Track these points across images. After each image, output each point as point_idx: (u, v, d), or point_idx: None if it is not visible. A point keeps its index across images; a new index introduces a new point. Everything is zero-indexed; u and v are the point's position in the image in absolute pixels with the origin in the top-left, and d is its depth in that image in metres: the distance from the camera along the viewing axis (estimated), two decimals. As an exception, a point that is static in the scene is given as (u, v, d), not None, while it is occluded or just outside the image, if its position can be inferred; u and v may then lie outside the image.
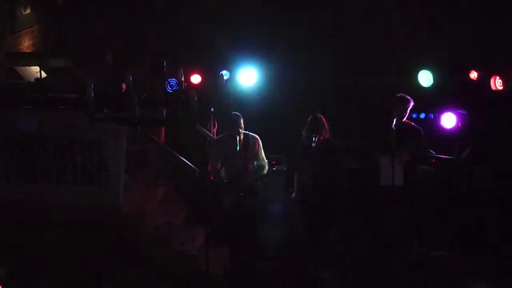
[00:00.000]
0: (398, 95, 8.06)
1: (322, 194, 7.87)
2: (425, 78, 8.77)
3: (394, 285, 7.54)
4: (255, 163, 8.06)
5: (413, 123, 8.10)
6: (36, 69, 8.24)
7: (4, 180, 7.42)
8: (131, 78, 7.61)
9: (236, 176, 7.91)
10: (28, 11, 9.28)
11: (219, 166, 7.86)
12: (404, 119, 7.97)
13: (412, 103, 7.99)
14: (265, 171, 8.10)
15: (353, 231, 8.39)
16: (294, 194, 8.14)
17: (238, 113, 7.96)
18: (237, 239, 7.92)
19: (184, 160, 8.02)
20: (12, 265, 7.04)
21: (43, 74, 8.02)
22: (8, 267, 6.98)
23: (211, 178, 7.83)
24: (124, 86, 7.66)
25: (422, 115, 8.72)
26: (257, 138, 8.07)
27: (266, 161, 8.18)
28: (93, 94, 6.96)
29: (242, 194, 7.82)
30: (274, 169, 8.41)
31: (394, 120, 7.81)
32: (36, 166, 7.39)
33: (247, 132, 8.06)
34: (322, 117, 7.97)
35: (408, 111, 7.98)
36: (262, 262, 8.11)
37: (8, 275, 6.81)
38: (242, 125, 7.92)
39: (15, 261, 7.08)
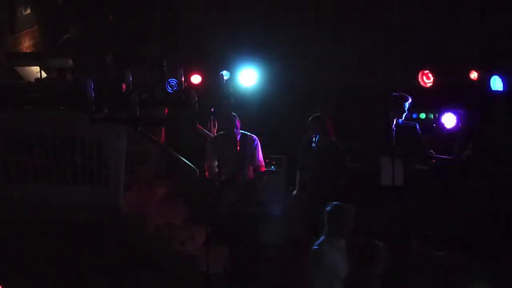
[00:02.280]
0: (394, 94, 8.03)
1: (322, 194, 7.87)
2: (426, 78, 8.77)
3: (394, 285, 7.53)
4: (253, 163, 8.06)
5: (408, 122, 8.11)
6: (36, 69, 8.23)
7: (4, 180, 7.42)
8: (131, 78, 7.60)
9: (232, 176, 7.90)
10: (28, 11, 9.27)
11: (216, 165, 7.86)
12: (403, 118, 7.95)
13: (409, 101, 7.96)
14: (263, 172, 8.10)
15: (353, 231, 8.38)
16: (295, 191, 8.13)
17: (234, 113, 7.95)
18: (237, 239, 7.92)
19: (184, 160, 8.01)
20: (13, 265, 7.04)
21: (43, 74, 8.02)
22: (9, 267, 7.00)
23: (207, 176, 7.84)
24: (124, 86, 7.65)
25: (422, 115, 8.73)
26: (255, 139, 8.06)
27: (262, 161, 8.18)
28: (93, 94, 6.96)
29: (240, 194, 7.82)
30: (270, 169, 8.40)
31: (394, 120, 7.81)
32: (36, 166, 7.39)
33: (246, 132, 8.06)
34: (323, 117, 7.96)
35: (406, 109, 7.96)
36: (262, 262, 8.11)
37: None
38: (238, 125, 7.92)
39: (15, 261, 7.08)
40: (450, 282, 7.58)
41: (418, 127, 8.06)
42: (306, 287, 7.72)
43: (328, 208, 5.99)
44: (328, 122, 8.01)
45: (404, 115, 7.96)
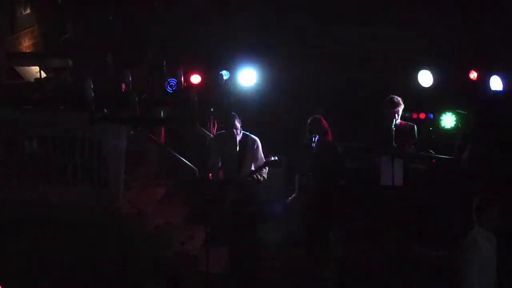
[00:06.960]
0: (388, 98, 8.03)
1: (322, 194, 7.87)
2: (425, 78, 8.77)
3: (394, 285, 7.54)
4: (253, 164, 8.05)
5: (406, 122, 8.11)
6: (36, 69, 8.25)
7: (4, 180, 7.42)
8: (131, 78, 7.62)
9: (233, 176, 7.90)
10: (28, 11, 9.30)
11: (219, 163, 7.85)
12: (395, 121, 7.95)
13: (401, 106, 7.95)
14: (264, 172, 8.09)
15: (353, 231, 8.39)
16: (293, 195, 8.13)
17: (234, 113, 7.94)
18: (237, 239, 7.92)
19: (184, 160, 8.02)
20: (13, 265, 7.04)
21: (43, 74, 8.03)
22: (9, 267, 7.00)
23: (210, 175, 7.83)
24: (124, 86, 7.67)
25: (422, 115, 8.72)
26: (256, 140, 8.04)
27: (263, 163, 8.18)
28: (92, 94, 6.97)
29: (240, 194, 7.81)
30: (273, 159, 8.31)
31: (394, 121, 7.84)
32: (36, 166, 7.40)
33: (247, 133, 8.05)
34: (322, 118, 7.96)
35: (399, 113, 7.96)
36: (262, 262, 8.11)
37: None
38: (238, 125, 7.89)
39: (15, 261, 7.08)
40: (450, 282, 7.58)
41: (416, 128, 8.06)
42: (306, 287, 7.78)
43: (478, 199, 6.05)
44: (327, 123, 8.00)
45: (396, 119, 7.94)
